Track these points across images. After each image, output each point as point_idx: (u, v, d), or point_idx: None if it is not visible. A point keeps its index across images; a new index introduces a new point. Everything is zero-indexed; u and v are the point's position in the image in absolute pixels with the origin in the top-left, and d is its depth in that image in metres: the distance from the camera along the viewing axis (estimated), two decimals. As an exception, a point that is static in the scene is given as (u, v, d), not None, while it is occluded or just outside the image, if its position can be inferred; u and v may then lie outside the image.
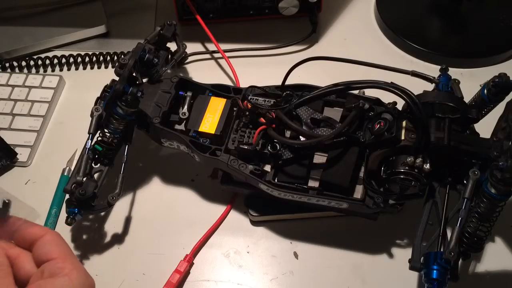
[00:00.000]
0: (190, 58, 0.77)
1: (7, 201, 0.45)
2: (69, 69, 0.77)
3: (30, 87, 0.72)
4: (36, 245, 0.43)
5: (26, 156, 0.66)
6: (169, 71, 0.67)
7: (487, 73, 0.64)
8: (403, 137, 0.50)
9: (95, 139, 0.58)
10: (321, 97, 0.55)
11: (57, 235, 0.44)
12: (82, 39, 0.79)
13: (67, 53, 0.76)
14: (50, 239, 0.44)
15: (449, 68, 0.57)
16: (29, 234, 0.44)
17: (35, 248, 0.43)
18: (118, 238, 0.60)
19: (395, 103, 0.54)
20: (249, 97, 0.58)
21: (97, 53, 0.76)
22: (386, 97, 0.54)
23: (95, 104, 0.58)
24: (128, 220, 0.61)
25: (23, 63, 0.75)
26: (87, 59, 0.76)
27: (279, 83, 0.58)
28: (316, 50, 0.78)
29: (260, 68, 0.75)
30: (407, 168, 0.49)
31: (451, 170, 0.51)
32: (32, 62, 0.75)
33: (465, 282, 0.55)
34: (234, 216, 0.62)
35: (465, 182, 0.49)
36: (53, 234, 0.44)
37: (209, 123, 0.57)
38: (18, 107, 0.70)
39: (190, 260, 0.57)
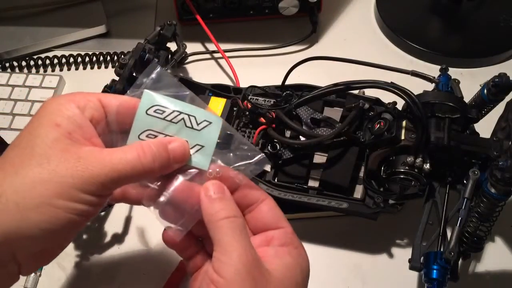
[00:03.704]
0: (190, 58, 0.77)
1: (229, 133, 0.39)
2: (69, 69, 0.77)
3: (30, 87, 0.72)
4: (258, 209, 0.40)
5: (26, 156, 0.66)
6: (169, 71, 0.67)
7: (487, 73, 0.64)
8: (403, 137, 0.50)
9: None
10: (321, 97, 0.55)
11: (274, 201, 0.40)
12: (82, 39, 0.79)
13: (67, 53, 0.76)
14: (273, 205, 0.40)
15: (449, 68, 0.57)
16: (251, 194, 0.39)
17: (257, 212, 0.39)
18: (118, 238, 0.60)
19: (395, 103, 0.54)
20: (249, 97, 0.58)
21: (97, 53, 0.76)
22: (386, 97, 0.54)
23: (95, 104, 0.58)
24: (128, 220, 0.61)
25: (23, 63, 0.75)
26: (87, 59, 0.76)
27: (279, 83, 0.58)
28: (316, 50, 0.78)
29: (260, 68, 0.75)
30: (407, 168, 0.49)
31: (451, 170, 0.51)
32: (32, 62, 0.75)
33: (465, 282, 0.55)
34: (234, 216, 0.61)
35: (465, 182, 0.49)
36: (273, 200, 0.40)
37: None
38: (18, 107, 0.70)
39: (190, 260, 0.57)
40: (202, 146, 0.38)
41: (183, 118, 0.38)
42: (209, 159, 0.38)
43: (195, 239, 0.41)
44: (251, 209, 0.40)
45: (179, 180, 0.38)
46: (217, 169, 0.38)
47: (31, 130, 0.35)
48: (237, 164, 0.39)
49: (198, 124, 0.38)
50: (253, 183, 0.40)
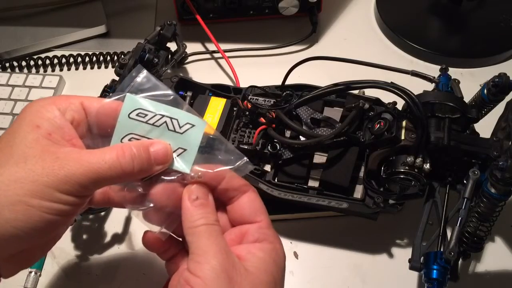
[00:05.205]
0: (190, 58, 0.77)
1: (212, 137, 0.39)
2: (69, 69, 0.77)
3: (30, 87, 0.72)
4: (238, 202, 0.40)
5: (26, 156, 0.66)
6: (169, 71, 0.67)
7: (487, 73, 0.64)
8: (403, 137, 0.50)
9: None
10: (321, 97, 0.55)
11: (256, 193, 0.40)
12: (82, 39, 0.79)
13: (67, 53, 0.76)
14: (253, 197, 0.40)
15: (449, 68, 0.57)
16: (234, 187, 0.39)
17: (236, 204, 0.40)
18: (118, 238, 0.60)
19: (395, 103, 0.54)
20: (249, 97, 0.58)
21: (97, 53, 0.76)
22: (386, 97, 0.54)
23: (95, 104, 0.58)
24: (128, 220, 0.61)
25: (23, 63, 0.75)
26: (87, 59, 0.76)
27: (279, 83, 0.58)
28: (316, 50, 0.78)
29: (260, 68, 0.75)
30: (407, 168, 0.49)
31: (451, 170, 0.51)
32: (32, 62, 0.75)
33: (465, 282, 0.55)
34: (234, 216, 0.62)
35: (465, 182, 0.49)
36: (255, 192, 0.40)
37: (209, 123, 0.57)
38: (18, 107, 0.70)
39: (190, 260, 0.57)
40: (185, 150, 0.38)
41: (165, 122, 0.38)
42: (191, 162, 0.38)
43: (176, 240, 0.41)
44: (233, 200, 0.40)
45: (161, 183, 0.38)
46: (199, 173, 0.38)
47: (11, 131, 0.35)
48: (219, 169, 0.39)
49: (180, 127, 0.38)
50: (237, 176, 0.40)
